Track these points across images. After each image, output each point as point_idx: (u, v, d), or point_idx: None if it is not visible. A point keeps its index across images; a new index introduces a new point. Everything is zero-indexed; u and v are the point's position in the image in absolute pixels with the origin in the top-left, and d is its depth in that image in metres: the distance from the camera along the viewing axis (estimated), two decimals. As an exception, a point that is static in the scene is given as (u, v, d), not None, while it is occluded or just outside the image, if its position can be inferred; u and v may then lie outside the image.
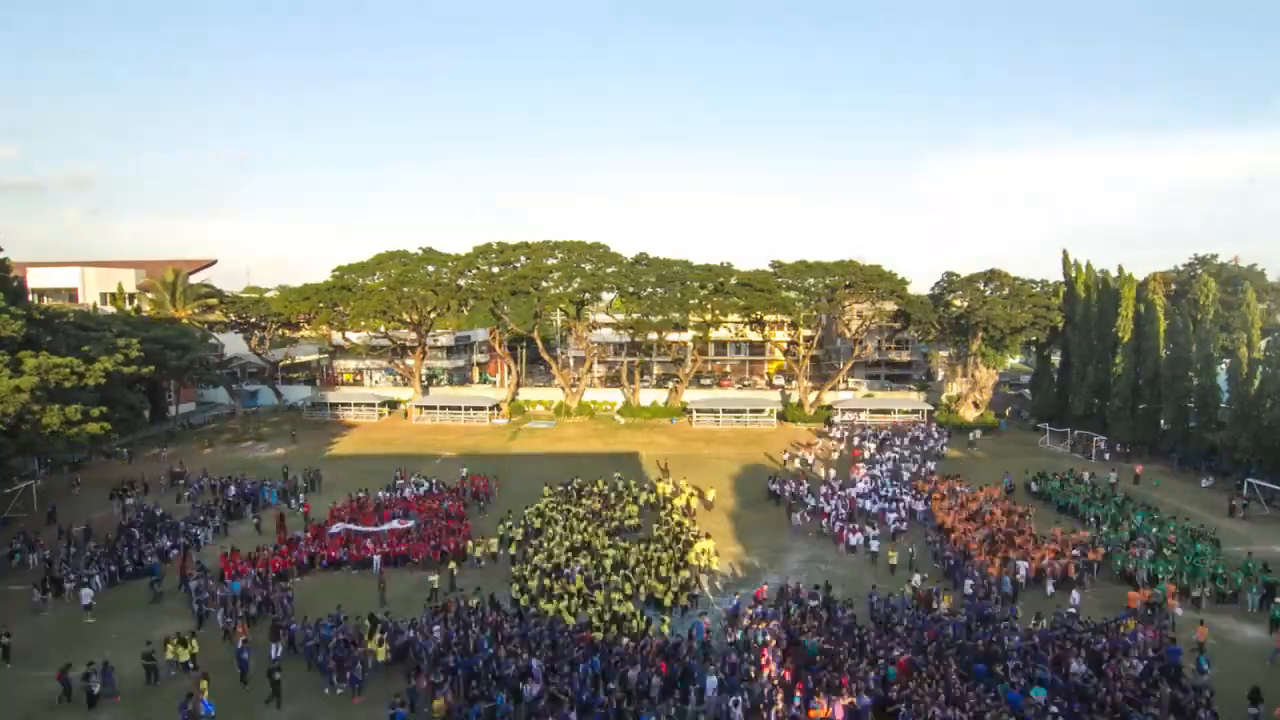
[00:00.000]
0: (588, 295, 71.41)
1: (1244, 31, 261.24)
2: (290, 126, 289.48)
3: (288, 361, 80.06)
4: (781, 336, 78.20)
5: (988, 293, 66.42)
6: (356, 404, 71.26)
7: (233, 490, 41.91)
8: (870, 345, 76.51)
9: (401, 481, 43.63)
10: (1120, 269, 57.86)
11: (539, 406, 72.65)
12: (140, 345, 41.85)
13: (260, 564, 30.15)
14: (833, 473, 47.03)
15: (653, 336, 69.19)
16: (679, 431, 64.29)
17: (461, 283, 70.72)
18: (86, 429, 32.97)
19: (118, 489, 42.10)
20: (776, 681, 20.15)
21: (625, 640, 22.82)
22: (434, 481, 44.11)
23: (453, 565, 30.69)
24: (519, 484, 44.34)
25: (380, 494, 41.21)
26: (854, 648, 22.61)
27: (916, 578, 29.10)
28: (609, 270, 69.44)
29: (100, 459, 50.20)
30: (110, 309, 64.55)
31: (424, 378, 75.85)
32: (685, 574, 28.85)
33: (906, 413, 66.56)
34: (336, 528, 33.32)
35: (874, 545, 33.39)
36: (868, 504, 39.17)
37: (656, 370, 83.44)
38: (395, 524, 34.06)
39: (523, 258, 69.86)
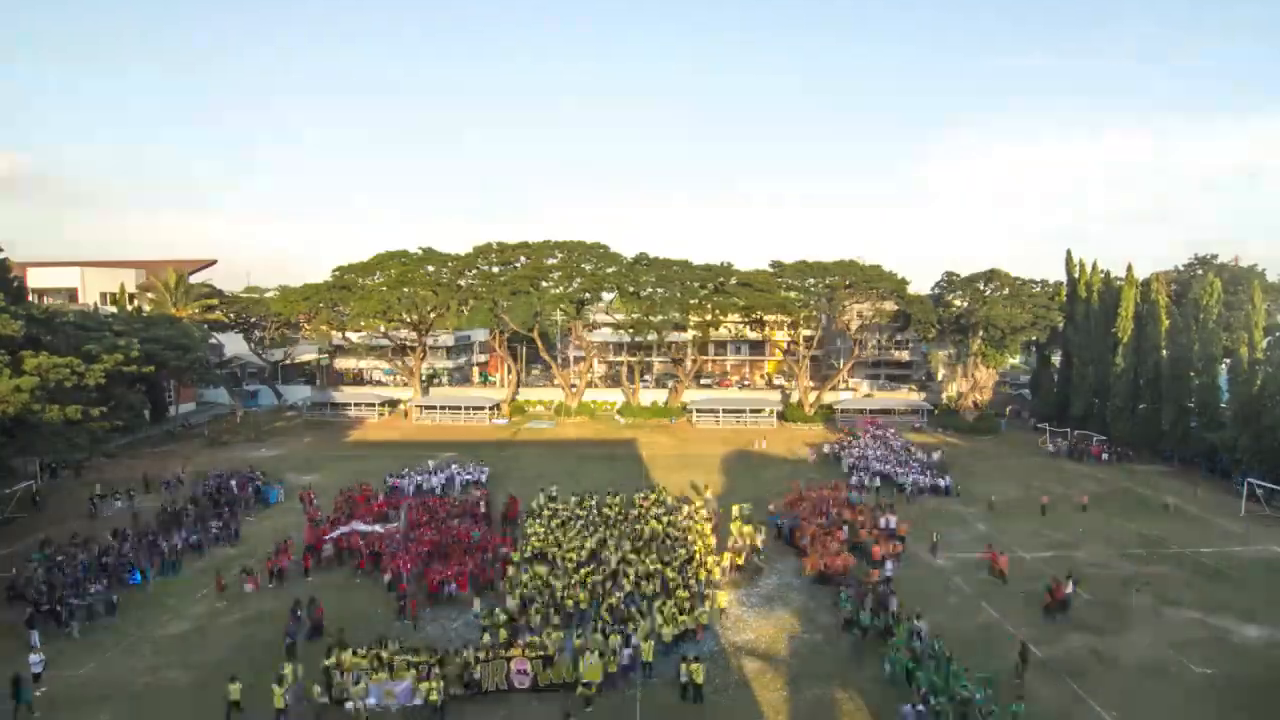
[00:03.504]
0: (588, 295, 71.37)
1: (1246, 28, 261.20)
2: (290, 126, 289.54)
3: (288, 362, 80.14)
4: (781, 336, 78.21)
5: (988, 293, 66.54)
6: (357, 404, 71.40)
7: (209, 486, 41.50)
8: (870, 345, 76.57)
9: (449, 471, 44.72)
10: (1129, 268, 57.77)
11: (539, 406, 72.66)
12: (140, 345, 41.80)
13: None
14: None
15: (653, 336, 69.23)
16: (679, 431, 64.29)
17: (461, 283, 70.76)
18: (88, 428, 32.95)
19: (92, 496, 40.08)
20: None
21: None
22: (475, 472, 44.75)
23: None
24: (522, 486, 44.25)
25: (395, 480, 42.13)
26: None
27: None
28: (609, 270, 69.43)
29: (100, 460, 49.96)
30: (110, 309, 64.53)
31: (424, 377, 75.85)
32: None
33: (903, 412, 66.64)
34: (337, 531, 33.12)
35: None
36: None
37: (657, 369, 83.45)
38: (376, 527, 33.03)
39: (523, 258, 69.89)
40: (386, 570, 29.34)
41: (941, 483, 43.78)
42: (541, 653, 21.93)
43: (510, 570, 28.98)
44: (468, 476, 44.57)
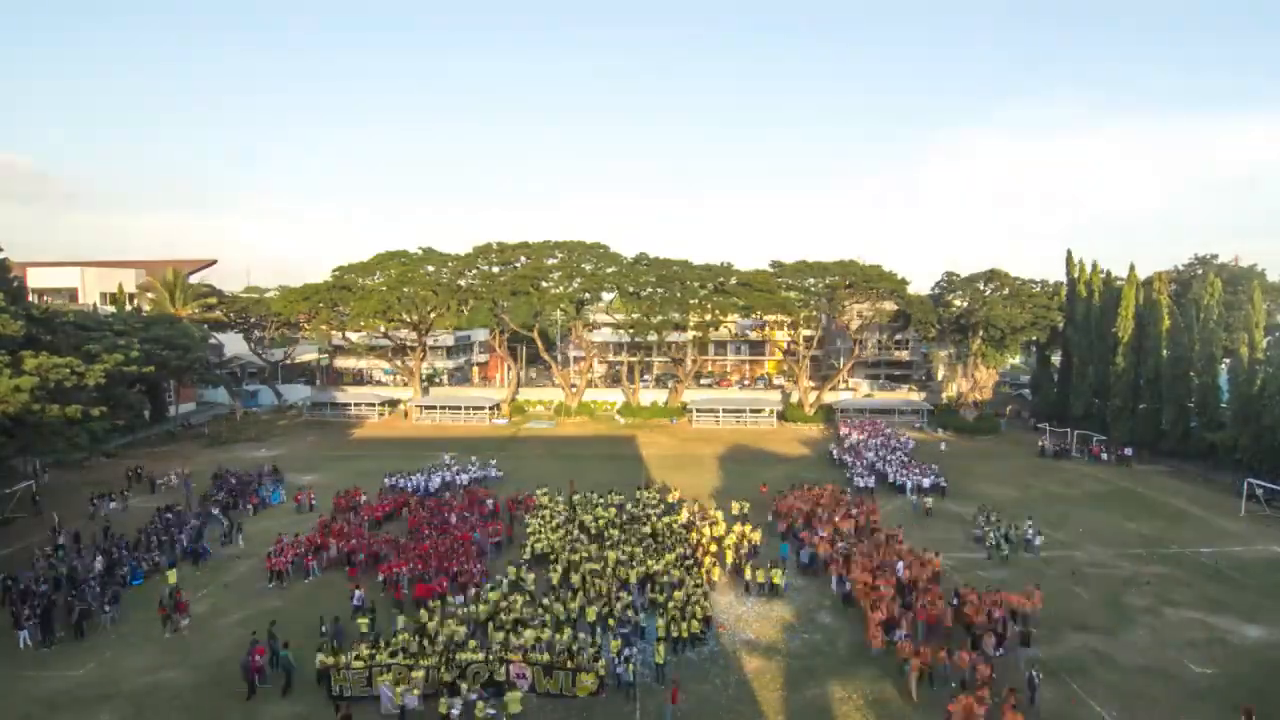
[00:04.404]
0: (588, 295, 71.41)
1: (1246, 25, 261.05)
2: (291, 126, 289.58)
3: (288, 362, 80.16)
4: (781, 336, 78.20)
5: (988, 293, 66.58)
6: (356, 403, 71.40)
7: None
8: (870, 345, 76.58)
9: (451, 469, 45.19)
10: (1131, 267, 57.71)
11: (539, 406, 72.65)
12: (140, 345, 41.86)
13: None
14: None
15: (653, 336, 69.29)
16: (679, 431, 64.29)
17: (461, 283, 70.76)
18: (88, 428, 32.95)
19: (93, 496, 40.07)
20: None
21: None
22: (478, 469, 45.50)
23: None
24: (522, 486, 44.14)
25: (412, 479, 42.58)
26: None
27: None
28: (609, 270, 69.44)
29: (100, 459, 49.92)
30: (110, 309, 64.56)
31: (423, 377, 75.83)
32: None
33: (905, 413, 66.67)
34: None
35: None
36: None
37: (657, 369, 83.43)
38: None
39: (523, 258, 69.92)
40: (383, 571, 29.21)
41: (942, 481, 43.19)
42: (543, 658, 21.68)
43: (511, 571, 28.82)
44: (479, 474, 45.24)
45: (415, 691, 20.42)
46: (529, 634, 23.33)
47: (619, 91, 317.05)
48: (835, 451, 51.78)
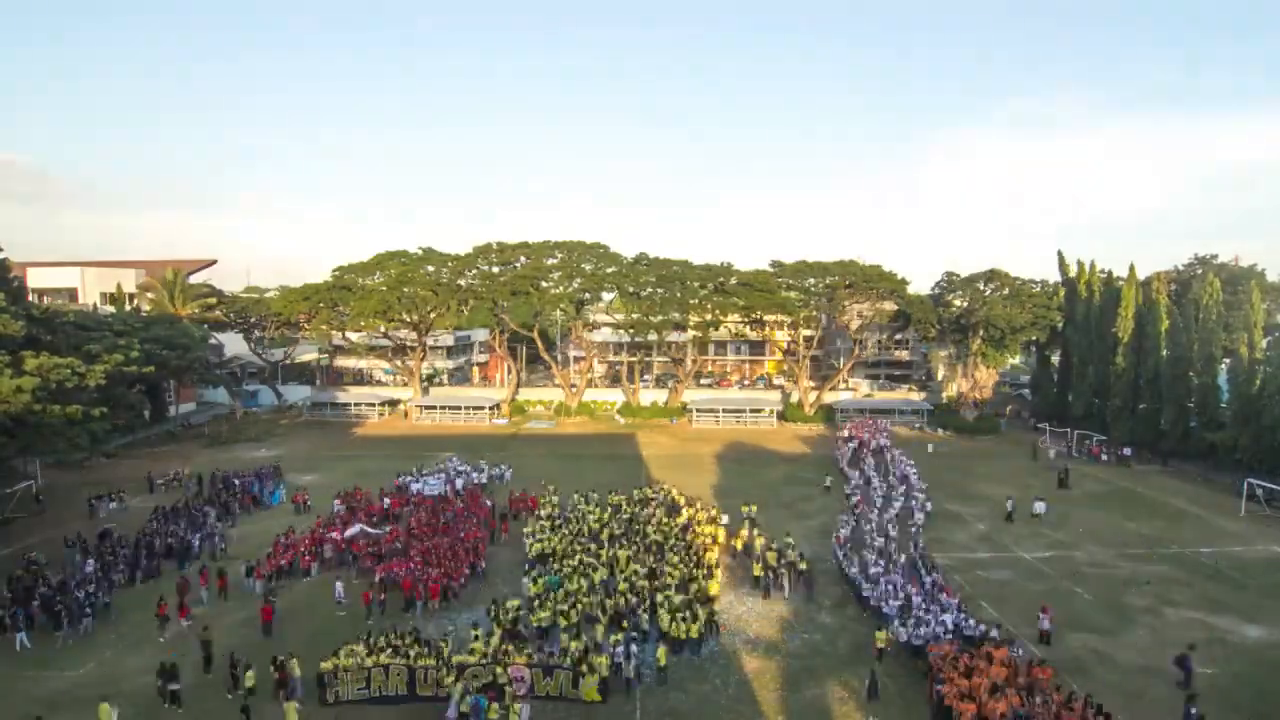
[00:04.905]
0: (588, 295, 71.40)
1: (1246, 25, 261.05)
2: (291, 126, 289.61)
3: (288, 362, 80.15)
4: (781, 336, 78.23)
5: (987, 293, 66.57)
6: (357, 403, 71.38)
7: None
8: (870, 345, 76.57)
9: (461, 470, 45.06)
10: (1130, 267, 57.74)
11: (539, 406, 72.65)
12: (140, 345, 41.83)
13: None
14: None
15: (653, 336, 69.27)
16: (679, 431, 64.29)
17: (461, 283, 70.75)
18: (88, 428, 32.97)
19: (91, 497, 39.92)
20: None
21: None
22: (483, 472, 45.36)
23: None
24: (522, 486, 44.19)
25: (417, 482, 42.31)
26: None
27: None
28: (609, 270, 69.43)
29: (100, 460, 49.86)
30: (110, 309, 64.49)
31: (423, 377, 75.80)
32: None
33: (905, 414, 66.69)
34: (354, 530, 33.10)
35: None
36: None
37: (657, 369, 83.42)
38: (359, 528, 33.04)
39: (523, 258, 69.90)
40: (382, 571, 29.06)
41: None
42: (549, 661, 21.61)
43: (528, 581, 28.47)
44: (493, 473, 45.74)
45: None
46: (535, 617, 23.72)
47: (619, 91, 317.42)
48: (840, 457, 50.70)
